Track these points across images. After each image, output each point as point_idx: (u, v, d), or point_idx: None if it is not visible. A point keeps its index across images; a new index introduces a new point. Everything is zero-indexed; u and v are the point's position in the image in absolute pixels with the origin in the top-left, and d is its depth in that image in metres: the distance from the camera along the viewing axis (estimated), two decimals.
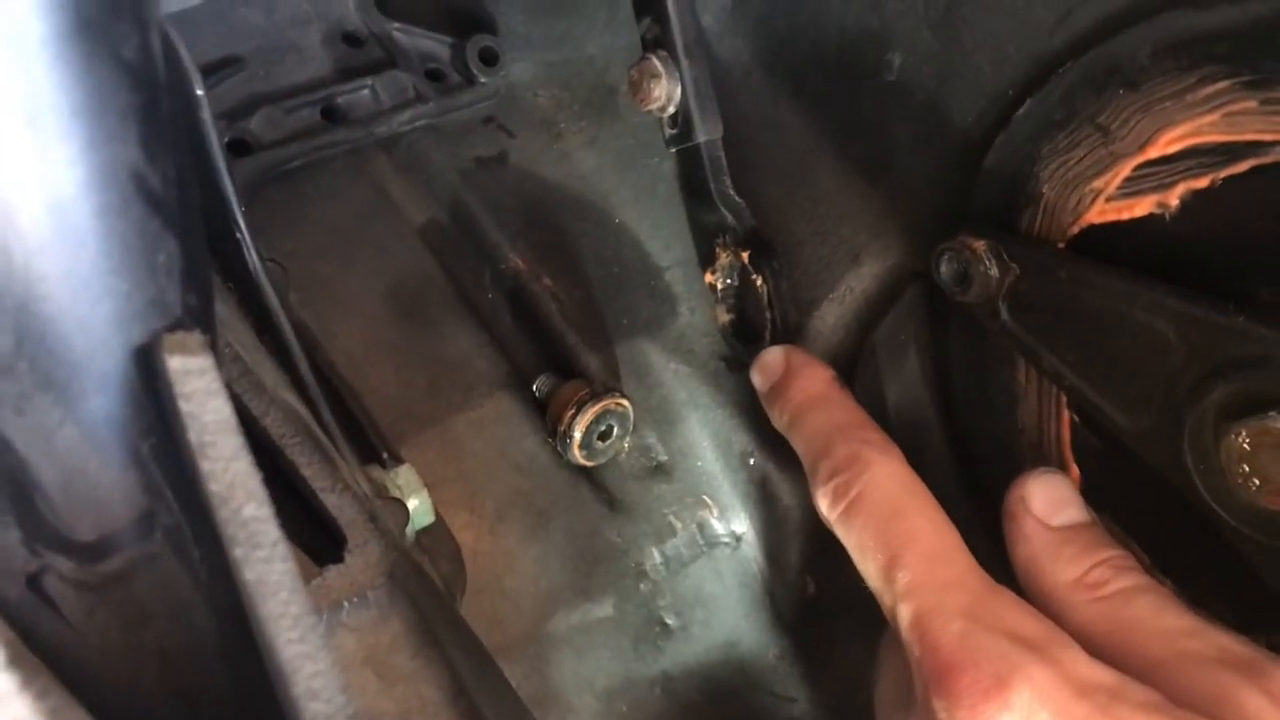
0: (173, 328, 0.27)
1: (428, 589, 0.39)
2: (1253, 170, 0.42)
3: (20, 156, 0.24)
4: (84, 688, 0.28)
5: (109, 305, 0.26)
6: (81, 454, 0.27)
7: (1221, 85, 0.41)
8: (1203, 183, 0.44)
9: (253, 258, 0.44)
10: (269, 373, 0.44)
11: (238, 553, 0.24)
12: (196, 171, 0.31)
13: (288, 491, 0.37)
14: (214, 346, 0.28)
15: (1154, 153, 0.45)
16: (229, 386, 0.28)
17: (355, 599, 0.34)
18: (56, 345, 0.26)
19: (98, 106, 0.25)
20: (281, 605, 0.24)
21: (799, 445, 0.56)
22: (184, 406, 0.26)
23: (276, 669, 0.24)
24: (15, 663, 0.19)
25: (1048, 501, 0.49)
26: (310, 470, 0.37)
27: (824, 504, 0.51)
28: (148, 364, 0.27)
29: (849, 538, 0.50)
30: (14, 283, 0.25)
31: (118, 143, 0.25)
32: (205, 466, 0.25)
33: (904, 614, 0.46)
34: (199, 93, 0.38)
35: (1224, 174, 0.43)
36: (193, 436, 0.25)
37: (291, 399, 0.44)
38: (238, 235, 0.43)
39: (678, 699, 0.64)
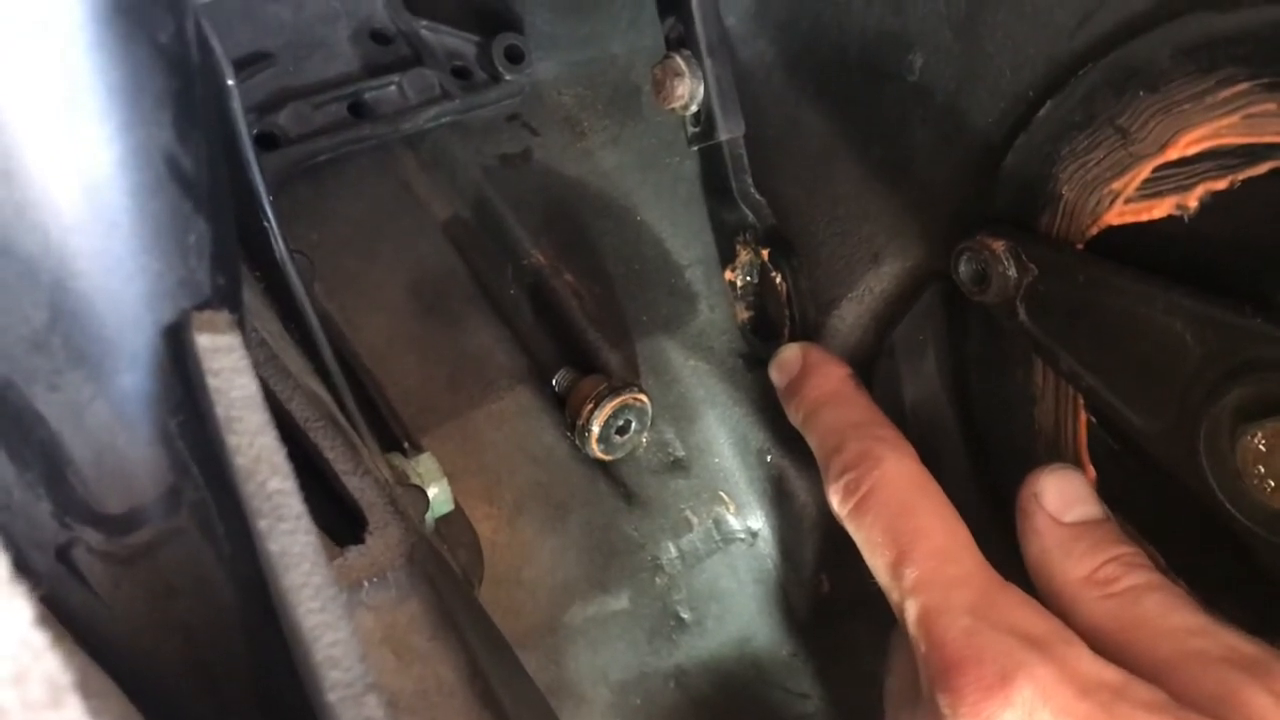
0: (202, 307, 0.28)
1: (446, 573, 0.39)
2: (1272, 172, 0.42)
3: (58, 136, 0.24)
4: (109, 658, 0.29)
5: (141, 284, 0.27)
6: (111, 429, 0.28)
7: (1241, 87, 0.41)
8: (1222, 185, 0.44)
9: (280, 246, 0.44)
10: (294, 359, 0.44)
11: (262, 525, 0.25)
12: (226, 161, 0.31)
13: (310, 474, 0.38)
14: (242, 326, 0.29)
15: (1173, 154, 0.45)
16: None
17: (375, 579, 0.34)
18: (89, 322, 0.27)
19: (134, 89, 0.25)
20: (304, 576, 0.24)
21: (813, 441, 0.56)
22: (211, 382, 0.26)
23: (297, 638, 0.24)
24: (44, 621, 0.20)
25: (1061, 497, 0.49)
26: (333, 453, 0.38)
27: (835, 500, 0.52)
28: (177, 341, 0.27)
29: (859, 534, 0.50)
30: (49, 260, 0.25)
31: (152, 125, 0.26)
32: (231, 440, 0.26)
33: (911, 610, 0.46)
34: (230, 83, 0.38)
35: (1243, 176, 0.43)
36: (220, 411, 0.26)
37: (315, 385, 0.44)
38: (265, 224, 0.44)
39: (691, 693, 0.64)
